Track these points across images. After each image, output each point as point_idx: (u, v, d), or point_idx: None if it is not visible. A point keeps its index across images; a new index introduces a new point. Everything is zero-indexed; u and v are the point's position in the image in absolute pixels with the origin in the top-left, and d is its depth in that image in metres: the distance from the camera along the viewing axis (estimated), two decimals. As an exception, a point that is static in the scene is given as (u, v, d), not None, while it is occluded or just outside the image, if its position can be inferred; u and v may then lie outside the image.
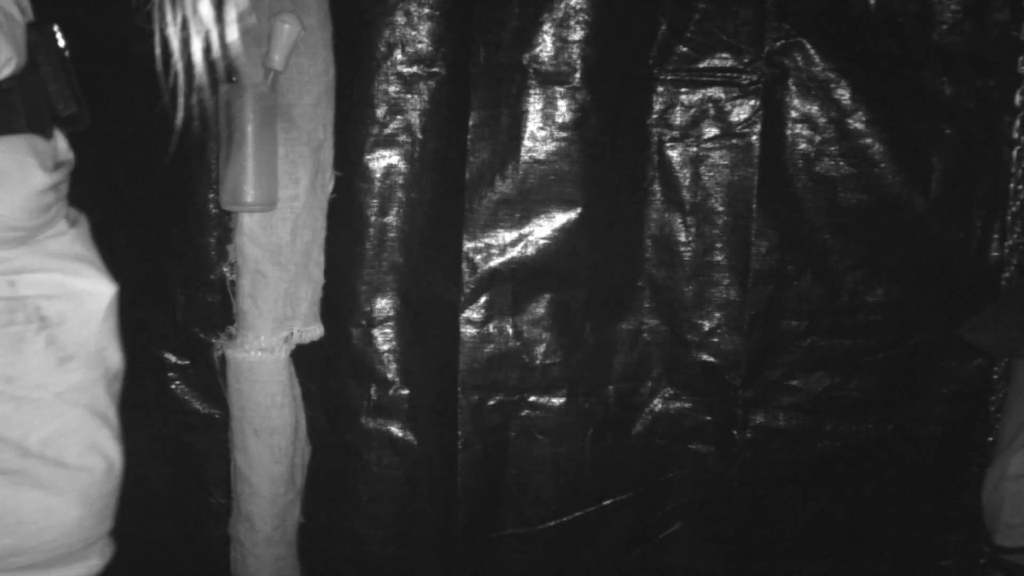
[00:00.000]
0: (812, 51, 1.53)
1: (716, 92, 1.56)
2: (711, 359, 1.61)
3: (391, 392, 1.61)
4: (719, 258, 1.59)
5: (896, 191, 1.55)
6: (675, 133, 1.57)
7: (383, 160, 1.55)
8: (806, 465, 1.63)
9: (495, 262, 1.58)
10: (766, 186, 1.56)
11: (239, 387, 1.50)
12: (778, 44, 1.54)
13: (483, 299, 1.59)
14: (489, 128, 1.55)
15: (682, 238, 1.59)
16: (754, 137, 1.56)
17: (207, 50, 0.77)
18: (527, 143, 1.56)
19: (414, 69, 1.53)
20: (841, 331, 1.59)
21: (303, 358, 1.54)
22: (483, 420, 1.62)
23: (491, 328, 1.60)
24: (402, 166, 1.56)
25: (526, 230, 1.58)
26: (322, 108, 1.48)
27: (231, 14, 0.77)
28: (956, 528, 1.63)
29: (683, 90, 1.56)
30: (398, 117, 1.54)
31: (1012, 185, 1.56)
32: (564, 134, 1.55)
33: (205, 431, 1.62)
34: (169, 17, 0.77)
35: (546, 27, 1.53)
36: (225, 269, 1.53)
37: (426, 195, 1.57)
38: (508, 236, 1.58)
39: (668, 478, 1.65)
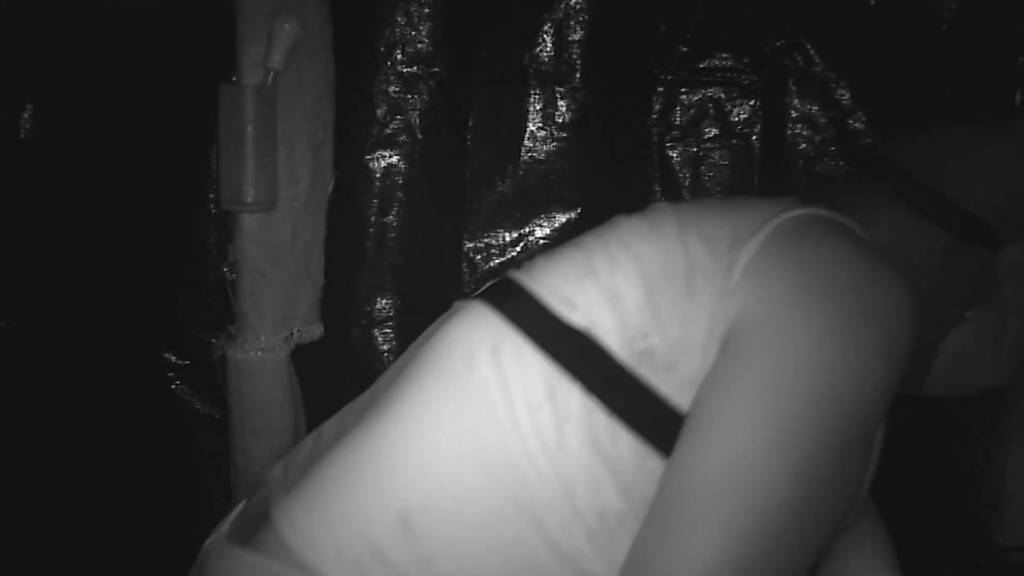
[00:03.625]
0: (812, 51, 1.53)
1: (716, 92, 1.56)
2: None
3: (391, 392, 1.61)
4: (719, 258, 1.59)
5: (896, 191, 1.55)
6: (675, 133, 1.57)
7: (383, 160, 1.55)
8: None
9: (495, 262, 1.58)
10: (766, 186, 1.56)
11: (239, 387, 1.50)
12: (778, 44, 1.54)
13: (483, 299, 1.59)
14: (489, 128, 1.55)
15: (682, 238, 1.59)
16: (754, 137, 1.56)
17: None
18: (527, 143, 1.56)
19: (414, 69, 1.53)
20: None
21: (303, 358, 1.54)
22: (483, 420, 1.61)
23: (491, 328, 1.60)
24: (402, 166, 1.55)
25: (526, 230, 1.58)
26: (322, 108, 1.48)
27: None
28: (957, 528, 1.63)
29: (683, 90, 1.56)
30: (398, 117, 1.54)
31: (1012, 185, 1.56)
32: (564, 134, 1.55)
33: (205, 431, 1.62)
34: None
35: (546, 27, 1.53)
36: (225, 269, 1.53)
37: (426, 195, 1.57)
38: (508, 236, 1.58)
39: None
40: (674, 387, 0.70)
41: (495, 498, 0.71)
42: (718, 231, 0.75)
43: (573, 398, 0.71)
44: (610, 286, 0.74)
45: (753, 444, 0.65)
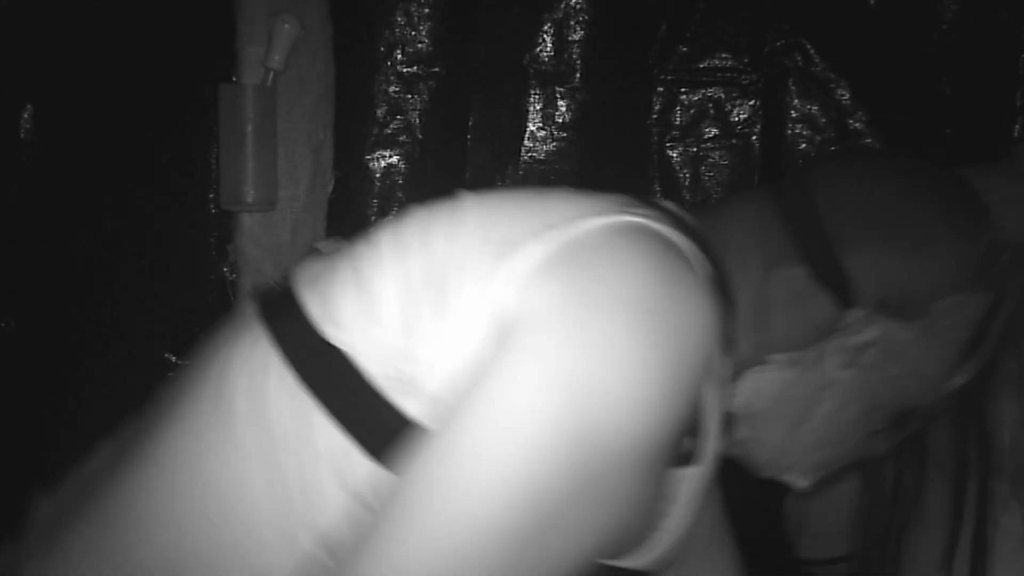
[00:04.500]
0: (812, 51, 1.53)
1: (716, 92, 1.56)
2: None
3: (391, 392, 1.61)
4: (719, 258, 1.59)
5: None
6: (675, 133, 1.57)
7: (383, 160, 1.55)
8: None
9: (495, 262, 1.58)
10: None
11: (239, 387, 1.50)
12: (778, 44, 1.54)
13: (483, 299, 1.59)
14: (489, 128, 1.55)
15: (682, 238, 1.59)
16: (754, 137, 1.56)
17: None
18: (527, 143, 1.56)
19: (414, 69, 1.53)
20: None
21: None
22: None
23: (491, 328, 1.60)
24: (402, 166, 1.56)
25: (526, 230, 1.58)
26: (322, 108, 1.48)
27: None
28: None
29: (683, 90, 1.56)
30: (398, 117, 1.54)
31: (1012, 185, 1.56)
32: (564, 134, 1.55)
33: (205, 431, 1.62)
34: None
35: (546, 27, 1.53)
36: (225, 269, 1.53)
37: (426, 195, 1.56)
38: (508, 236, 1.58)
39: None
40: (431, 415, 0.60)
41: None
42: (498, 234, 0.65)
43: (332, 437, 0.62)
44: (368, 294, 0.64)
45: (480, 459, 0.57)
